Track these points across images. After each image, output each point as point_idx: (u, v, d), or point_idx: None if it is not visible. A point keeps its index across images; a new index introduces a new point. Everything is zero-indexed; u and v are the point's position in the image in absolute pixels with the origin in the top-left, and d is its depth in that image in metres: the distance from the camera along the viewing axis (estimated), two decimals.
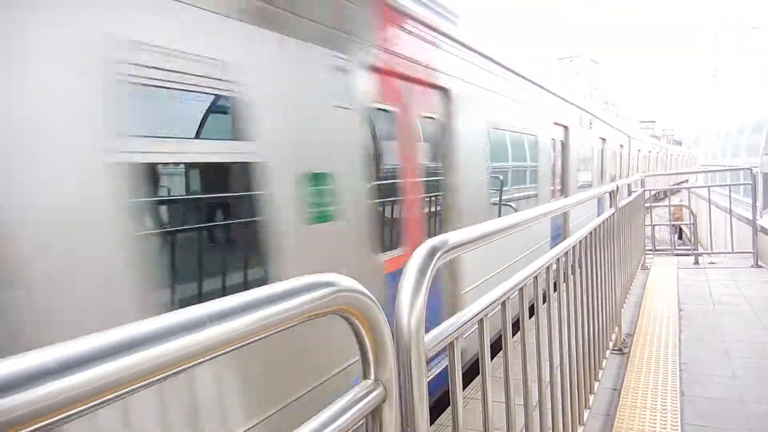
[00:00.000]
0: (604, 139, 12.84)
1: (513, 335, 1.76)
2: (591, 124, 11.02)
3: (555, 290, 2.35)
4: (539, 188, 7.63)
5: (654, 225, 8.99)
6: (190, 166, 2.32)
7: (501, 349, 1.72)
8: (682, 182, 25.16)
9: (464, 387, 3.70)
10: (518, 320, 1.91)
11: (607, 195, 4.04)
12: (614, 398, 3.42)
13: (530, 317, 2.03)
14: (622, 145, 16.19)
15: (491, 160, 5.67)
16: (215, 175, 2.47)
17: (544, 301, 2.20)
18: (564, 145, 9.07)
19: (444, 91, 4.50)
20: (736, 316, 5.08)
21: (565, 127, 9.08)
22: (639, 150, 21.50)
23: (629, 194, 6.23)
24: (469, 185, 4.94)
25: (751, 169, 8.13)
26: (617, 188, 4.09)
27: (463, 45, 4.86)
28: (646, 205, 8.27)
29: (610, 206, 3.93)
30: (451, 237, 1.30)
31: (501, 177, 6.08)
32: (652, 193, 11.23)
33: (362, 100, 3.31)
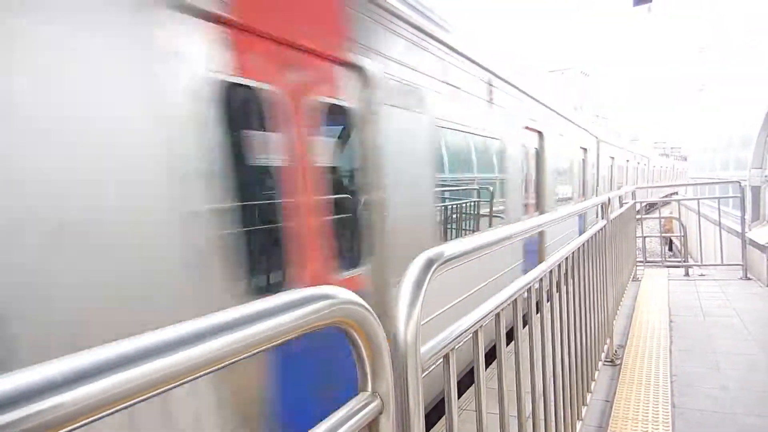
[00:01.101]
0: (638, 162, 25.02)
1: (506, 345, 1.77)
2: (633, 156, 22.97)
3: (548, 301, 2.36)
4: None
5: (645, 237, 9.07)
6: None
7: (494, 359, 1.72)
8: (672, 194, 25.82)
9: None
10: (511, 330, 1.92)
11: (599, 207, 4.08)
12: (606, 410, 3.43)
13: (523, 327, 2.04)
14: (644, 164, 28.12)
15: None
16: None
17: (537, 312, 2.21)
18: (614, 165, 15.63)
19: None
20: (725, 328, 5.12)
21: (648, 158, 24.75)
22: (654, 166, 34.05)
23: (620, 206, 6.29)
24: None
25: (739, 182, 8.24)
26: (609, 200, 4.13)
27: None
28: (637, 217, 8.35)
29: (602, 218, 3.97)
30: (447, 249, 1.31)
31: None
32: (643, 204, 11.36)
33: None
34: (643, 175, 27.58)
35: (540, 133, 7.68)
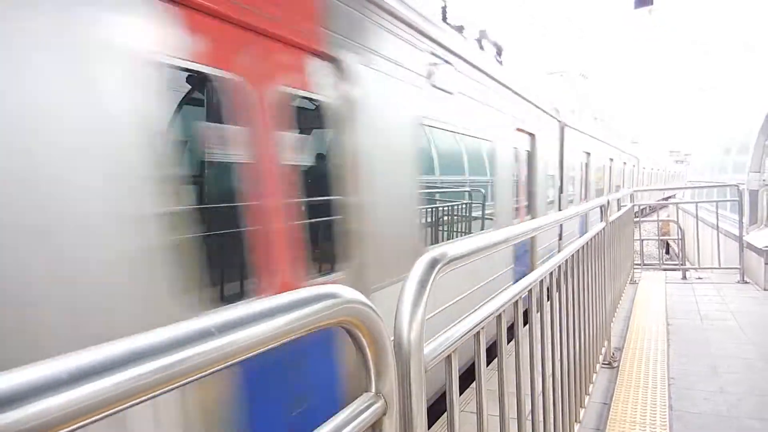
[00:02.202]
0: (657, 168, 36.01)
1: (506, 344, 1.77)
2: (655, 163, 35.79)
3: (548, 300, 2.35)
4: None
5: (642, 239, 9.08)
6: None
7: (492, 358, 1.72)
8: (670, 197, 25.79)
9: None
10: (509, 330, 1.91)
11: (599, 209, 4.09)
12: (604, 412, 3.43)
13: (524, 327, 2.03)
14: (660, 169, 36.39)
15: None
16: None
17: (537, 312, 2.20)
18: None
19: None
20: (723, 331, 5.13)
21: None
22: (667, 171, 43.90)
23: (619, 209, 6.30)
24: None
25: (738, 186, 8.25)
26: (608, 203, 4.13)
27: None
28: (635, 219, 8.36)
29: (601, 220, 3.97)
30: (450, 249, 1.30)
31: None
32: (641, 207, 11.42)
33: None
34: (660, 177, 39.04)
35: (624, 163, 17.85)
